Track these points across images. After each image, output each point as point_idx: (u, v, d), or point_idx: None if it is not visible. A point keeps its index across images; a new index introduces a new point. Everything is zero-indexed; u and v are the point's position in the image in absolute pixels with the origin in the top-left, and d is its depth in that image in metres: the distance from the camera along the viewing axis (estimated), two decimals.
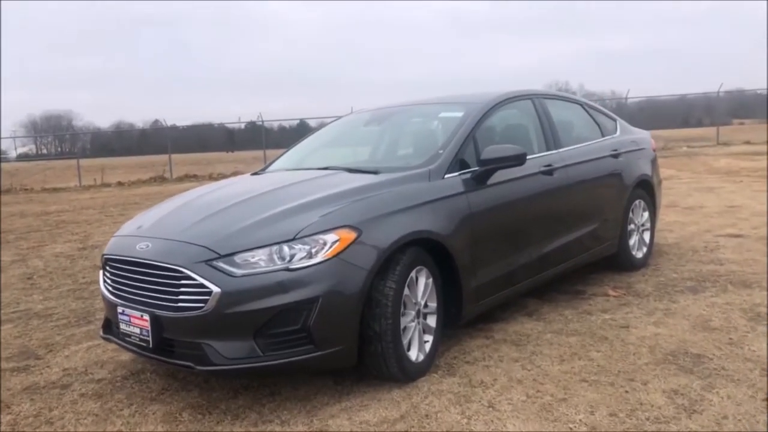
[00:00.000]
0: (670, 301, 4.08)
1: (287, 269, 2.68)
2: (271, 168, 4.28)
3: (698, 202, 8.43)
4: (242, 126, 44.23)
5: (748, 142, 21.99)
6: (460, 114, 3.80)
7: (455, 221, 3.27)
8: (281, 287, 2.66)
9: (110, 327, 3.27)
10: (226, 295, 2.64)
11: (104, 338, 3.30)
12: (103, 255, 3.27)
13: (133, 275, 2.97)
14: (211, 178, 20.77)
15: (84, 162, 32.88)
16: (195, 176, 21.28)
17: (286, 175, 3.78)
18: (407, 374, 2.96)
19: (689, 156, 17.88)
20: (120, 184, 20.34)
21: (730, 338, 3.35)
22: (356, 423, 2.66)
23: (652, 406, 2.64)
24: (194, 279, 2.70)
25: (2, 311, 4.93)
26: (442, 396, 2.85)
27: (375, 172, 3.40)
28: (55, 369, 3.59)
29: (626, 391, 2.79)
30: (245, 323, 2.67)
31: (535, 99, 4.29)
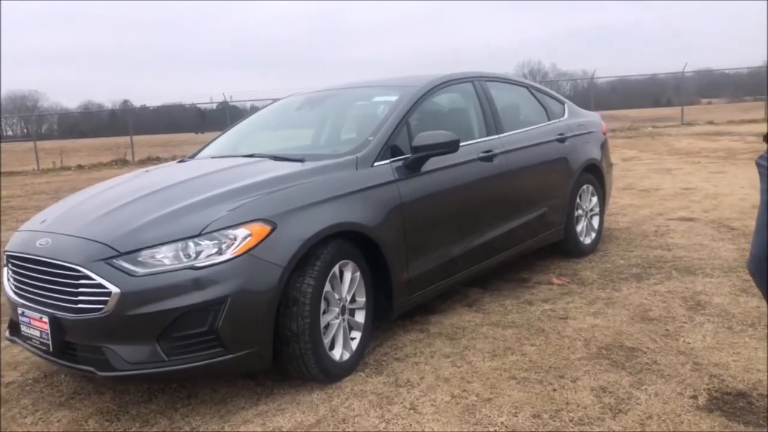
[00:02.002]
0: (613, 290, 3.99)
1: (193, 267, 2.50)
2: (200, 155, 4.07)
3: (655, 184, 8.41)
4: (214, 106, 43.47)
5: (711, 122, 22.19)
6: (394, 98, 3.63)
7: (384, 211, 3.11)
8: (186, 287, 2.48)
9: (17, 328, 3.05)
10: (127, 296, 2.46)
11: (10, 340, 3.08)
12: (4, 251, 3.06)
13: (33, 274, 2.76)
14: (173, 159, 20.34)
15: (47, 144, 31.98)
16: (158, 158, 20.77)
17: (209, 163, 3.57)
18: (329, 375, 2.82)
19: (653, 136, 17.95)
20: (80, 167, 19.78)
21: (667, 329, 3.27)
22: (269, 429, 2.51)
23: (578, 405, 2.53)
24: (92, 278, 2.50)
25: None
26: (364, 397, 2.72)
27: (301, 160, 3.21)
28: None
29: (554, 390, 2.68)
30: (148, 326, 2.48)
31: (476, 82, 4.13)
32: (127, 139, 27.25)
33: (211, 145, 4.16)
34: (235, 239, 2.57)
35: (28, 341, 2.81)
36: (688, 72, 27.45)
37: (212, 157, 3.79)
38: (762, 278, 2.09)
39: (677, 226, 5.73)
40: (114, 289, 2.46)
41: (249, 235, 2.59)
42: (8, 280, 3.02)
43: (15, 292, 2.91)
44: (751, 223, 5.53)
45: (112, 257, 2.52)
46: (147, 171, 3.76)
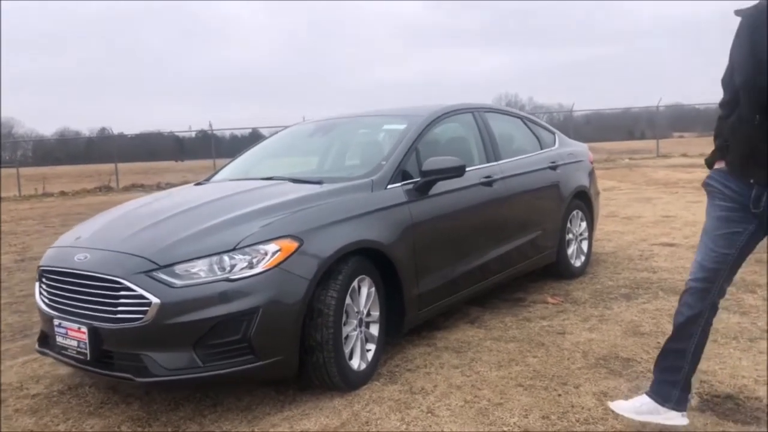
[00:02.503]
0: (605, 308, 4.24)
1: (227, 279, 2.70)
2: (215, 178, 4.27)
3: (636, 213, 8.76)
4: (192, 135, 43.35)
5: (685, 155, 22.92)
6: (402, 126, 3.88)
7: (398, 231, 3.34)
8: (221, 298, 2.67)
9: (46, 340, 3.20)
10: (166, 306, 2.64)
11: (40, 352, 3.22)
12: (39, 266, 3.22)
13: (71, 287, 2.92)
14: (159, 187, 20.38)
15: (26, 171, 31.66)
16: (142, 185, 20.83)
17: (230, 185, 3.78)
18: (349, 383, 3.00)
19: (630, 168, 18.52)
20: (63, 193, 19.74)
21: (658, 342, 3.51)
22: (297, 430, 2.68)
23: (583, 408, 2.75)
24: (133, 290, 2.68)
25: None
26: (383, 403, 2.90)
27: (318, 183, 3.44)
28: None
29: (559, 395, 2.90)
30: (185, 334, 2.66)
31: (476, 112, 4.42)
32: (107, 166, 27.20)
33: (226, 169, 4.37)
34: (266, 254, 2.77)
35: (62, 351, 2.95)
36: (661, 106, 28.38)
37: (230, 180, 4.00)
38: (693, 297, 2.42)
39: (660, 250, 6.03)
40: (154, 300, 2.64)
41: (278, 250, 2.80)
42: (41, 294, 3.18)
43: (48, 305, 3.07)
44: None
45: (152, 270, 2.71)
46: (170, 193, 3.95)
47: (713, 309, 2.43)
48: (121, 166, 24.80)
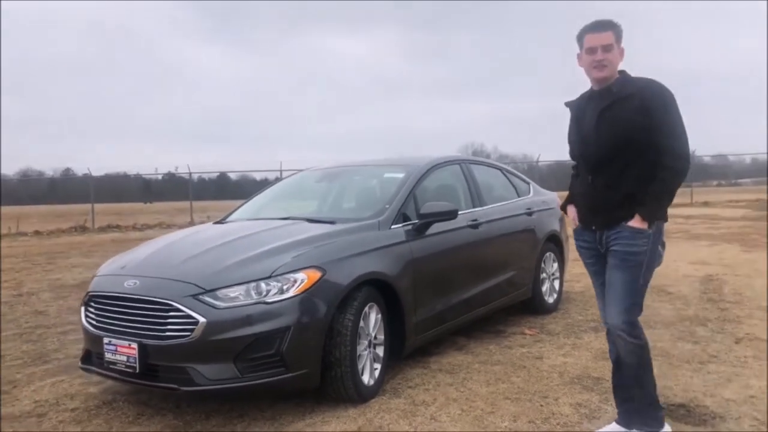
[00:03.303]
0: (576, 338, 4.79)
1: (264, 302, 3.17)
2: (231, 218, 4.75)
3: None
4: (159, 177, 43.15)
5: None
6: (401, 175, 4.45)
7: (400, 265, 3.86)
8: (258, 318, 3.14)
9: (90, 359, 3.60)
10: (211, 325, 3.09)
11: (84, 369, 3.62)
12: (89, 292, 3.63)
13: (121, 309, 3.35)
14: (135, 228, 20.56)
15: None
16: (118, 226, 20.95)
17: (252, 223, 4.27)
18: (361, 395, 3.46)
19: None
20: (38, 233, 19.73)
21: None
22: None
23: (562, 415, 3.27)
24: (182, 311, 3.13)
25: None
26: (392, 412, 3.37)
27: (332, 222, 3.96)
28: (25, 402, 3.84)
29: (541, 405, 3.41)
30: (226, 349, 3.11)
31: (463, 164, 5.02)
32: (76, 206, 27.16)
33: (240, 210, 4.87)
34: (295, 281, 3.26)
35: (111, 366, 3.35)
36: None
37: (248, 219, 4.49)
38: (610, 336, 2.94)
39: None
40: (201, 319, 3.10)
41: (306, 279, 3.29)
42: (87, 316, 3.59)
43: (96, 326, 3.48)
44: (684, 290, 6.53)
45: (199, 294, 3.17)
46: (197, 230, 4.42)
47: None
48: (89, 207, 24.77)
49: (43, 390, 4.04)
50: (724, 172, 53.11)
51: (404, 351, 3.93)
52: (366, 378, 3.55)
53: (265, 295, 3.20)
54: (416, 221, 4.11)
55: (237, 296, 3.19)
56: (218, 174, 39.96)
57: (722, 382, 3.70)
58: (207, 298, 3.16)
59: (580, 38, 2.84)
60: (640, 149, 2.74)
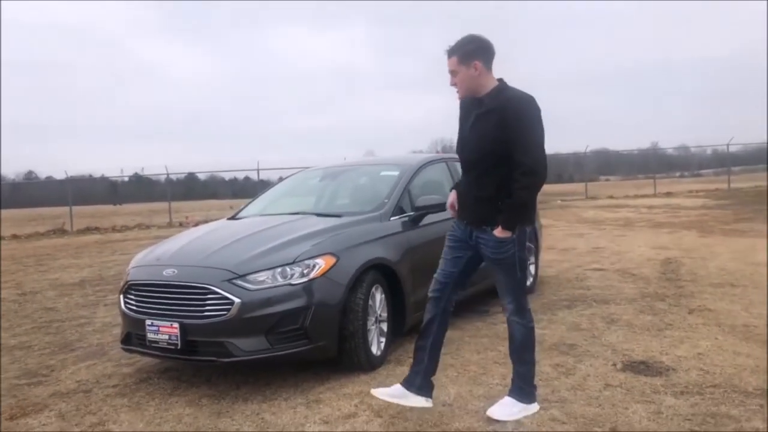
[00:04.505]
0: (552, 314, 5.41)
1: (289, 284, 3.70)
2: (242, 214, 5.27)
3: (571, 245, 10.14)
4: (126, 179, 42.59)
5: (611, 197, 25.07)
6: (396, 173, 5.01)
7: (400, 252, 4.41)
8: (285, 298, 3.67)
9: (129, 339, 4.08)
10: (245, 304, 3.61)
11: (125, 349, 4.10)
12: (128, 281, 4.10)
13: (162, 294, 3.85)
14: (115, 230, 20.73)
15: None
16: (97, 228, 21.09)
17: (266, 219, 4.78)
18: (371, 364, 4.01)
19: (563, 208, 20.31)
20: (15, 236, 19.78)
21: (593, 334, 4.70)
22: (341, 395, 3.67)
23: (543, 373, 3.86)
24: (219, 293, 3.64)
25: None
26: (398, 377, 3.89)
27: (339, 216, 4.50)
28: (68, 381, 4.30)
29: None
30: (259, 324, 3.63)
31: (448, 161, 5.60)
32: (47, 209, 26.87)
33: (249, 207, 5.38)
34: (315, 266, 3.79)
35: (153, 345, 3.84)
36: (588, 152, 30.79)
37: (261, 215, 5.00)
38: (431, 304, 3.29)
39: (592, 274, 7.32)
40: (236, 300, 3.61)
41: (323, 264, 3.82)
42: (126, 303, 4.07)
43: (137, 311, 3.96)
44: (646, 272, 7.23)
45: (233, 278, 3.68)
46: (218, 225, 4.92)
47: (445, 313, 3.30)
48: (58, 210, 24.62)
49: (80, 372, 4.50)
50: (687, 163, 55.00)
51: (405, 327, 4.49)
52: (374, 349, 4.10)
53: (290, 278, 3.72)
54: (411, 213, 4.67)
55: (265, 280, 3.71)
56: (186, 174, 39.75)
57: (676, 343, 4.35)
58: (240, 282, 3.67)
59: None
60: (500, 160, 2.98)
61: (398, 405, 3.30)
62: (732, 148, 31.21)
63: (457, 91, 3.12)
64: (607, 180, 49.21)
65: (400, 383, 3.30)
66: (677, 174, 52.35)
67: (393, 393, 3.26)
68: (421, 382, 3.26)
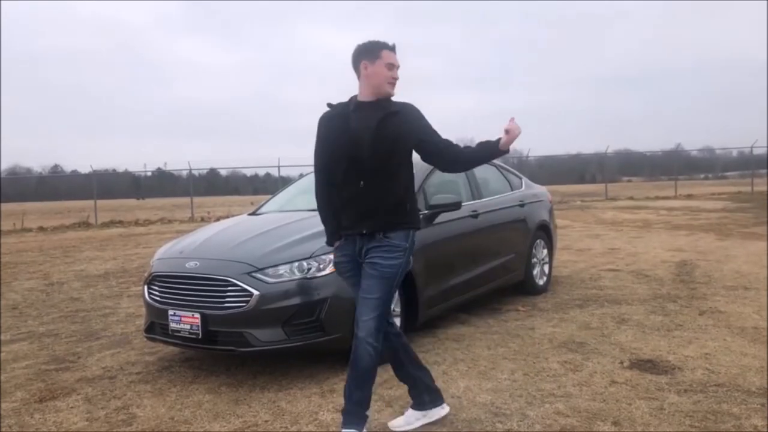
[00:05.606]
0: (564, 313, 5.50)
1: (306, 278, 3.85)
2: (262, 210, 5.43)
3: (587, 246, 10.18)
4: (149, 173, 43.37)
5: (631, 198, 24.92)
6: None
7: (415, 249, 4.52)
8: (302, 290, 3.82)
9: (152, 329, 4.26)
10: (263, 296, 3.76)
11: (148, 338, 4.29)
12: (152, 273, 4.28)
13: (184, 285, 4.01)
14: (138, 224, 21.12)
15: None
16: (121, 222, 21.51)
17: (285, 215, 4.93)
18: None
19: (582, 209, 20.25)
20: (42, 229, 20.25)
21: (603, 333, 4.78)
22: None
23: (551, 369, 3.96)
24: (239, 285, 3.80)
25: (8, 333, 5.68)
26: None
27: None
28: (94, 368, 4.49)
29: (534, 363, 4.10)
30: (276, 316, 3.78)
31: None
32: (79, 203, 27.55)
33: (270, 203, 5.54)
34: (330, 261, 3.93)
35: (175, 334, 4.01)
36: (610, 152, 30.61)
37: (279, 211, 5.15)
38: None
39: (606, 274, 7.38)
40: (255, 292, 3.76)
41: None
42: (150, 293, 4.24)
43: (160, 301, 4.13)
44: (660, 273, 7.26)
45: (252, 271, 3.84)
46: (239, 220, 5.09)
47: (390, 338, 3.16)
48: (86, 203, 25.18)
49: (105, 359, 4.70)
50: (711, 165, 54.28)
51: (418, 321, 4.61)
52: None
53: (307, 272, 3.87)
54: (426, 211, 4.79)
55: (283, 273, 3.86)
56: (208, 170, 40.25)
57: (684, 344, 4.42)
58: (259, 275, 3.82)
59: (372, 52, 2.94)
60: (407, 160, 3.03)
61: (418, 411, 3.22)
62: (756, 151, 30.86)
63: (393, 87, 3.01)
64: (629, 181, 48.81)
65: (411, 407, 3.23)
66: (701, 176, 51.74)
67: (411, 419, 3.19)
68: (428, 395, 3.24)
